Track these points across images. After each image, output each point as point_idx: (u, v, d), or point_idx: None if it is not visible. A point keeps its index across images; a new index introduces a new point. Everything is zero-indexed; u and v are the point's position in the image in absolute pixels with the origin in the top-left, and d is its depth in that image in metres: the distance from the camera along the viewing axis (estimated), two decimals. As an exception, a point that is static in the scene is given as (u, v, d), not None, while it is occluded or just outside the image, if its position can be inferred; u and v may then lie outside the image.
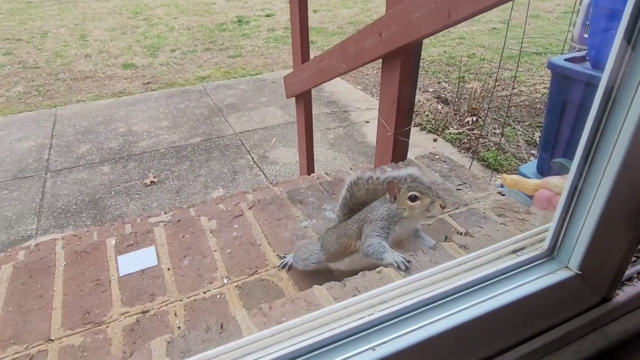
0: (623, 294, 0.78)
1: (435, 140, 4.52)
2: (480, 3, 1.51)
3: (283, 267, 1.43)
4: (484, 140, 4.35)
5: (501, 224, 1.16)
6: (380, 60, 2.12)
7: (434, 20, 1.69)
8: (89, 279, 1.40)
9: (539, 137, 3.88)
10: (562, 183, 0.77)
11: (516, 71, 5.72)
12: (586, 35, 2.56)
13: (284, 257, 1.45)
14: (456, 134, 4.53)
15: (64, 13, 10.75)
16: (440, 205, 1.09)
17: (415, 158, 2.01)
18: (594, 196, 0.65)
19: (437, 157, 1.94)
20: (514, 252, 0.80)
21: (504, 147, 4.17)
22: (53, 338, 1.21)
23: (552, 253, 0.70)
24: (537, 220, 1.19)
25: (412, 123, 5.08)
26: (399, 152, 2.27)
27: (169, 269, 1.44)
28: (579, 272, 0.66)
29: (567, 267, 0.68)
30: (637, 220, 0.67)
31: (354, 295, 0.88)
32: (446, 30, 2.01)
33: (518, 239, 0.83)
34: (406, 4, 1.80)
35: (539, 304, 0.66)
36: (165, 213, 2.38)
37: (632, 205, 0.66)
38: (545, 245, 0.71)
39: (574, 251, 0.67)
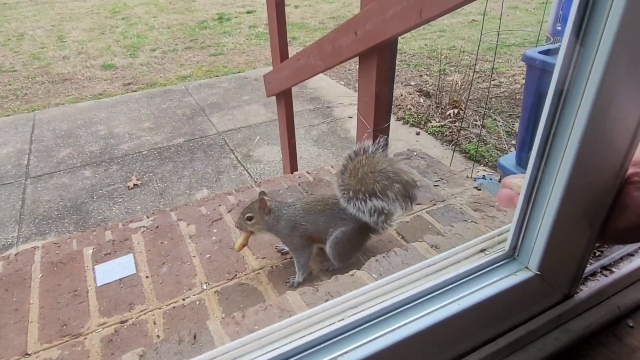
0: (586, 290, 0.80)
1: (417, 133, 4.54)
2: (450, 2, 1.52)
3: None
4: (466, 132, 4.39)
5: (472, 222, 1.18)
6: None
7: (407, 18, 1.69)
8: (65, 290, 1.39)
9: (518, 127, 3.92)
10: (522, 182, 0.78)
11: (494, 63, 5.77)
12: (559, 27, 2.59)
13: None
14: (438, 126, 4.56)
15: (40, 14, 10.53)
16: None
17: (394, 155, 2.02)
18: (549, 196, 0.66)
19: (415, 153, 1.95)
20: (482, 251, 0.82)
21: (484, 138, 4.21)
22: (30, 352, 1.20)
23: (513, 254, 0.72)
24: (507, 217, 1.21)
25: (395, 117, 5.08)
26: (378, 149, 2.28)
27: (147, 277, 1.43)
28: (539, 273, 0.67)
29: (527, 267, 0.69)
30: (594, 218, 0.69)
31: (326, 300, 0.89)
32: (421, 27, 2.02)
33: (485, 238, 0.84)
34: (379, 3, 1.80)
35: (501, 305, 0.67)
36: (148, 217, 2.37)
37: (588, 203, 0.67)
38: (507, 246, 0.72)
39: (533, 251, 0.68)
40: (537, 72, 2.43)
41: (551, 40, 2.88)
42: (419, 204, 1.63)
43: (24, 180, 4.13)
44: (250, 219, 1.38)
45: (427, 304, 0.66)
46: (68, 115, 5.41)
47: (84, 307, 1.33)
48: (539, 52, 2.45)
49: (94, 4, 11.40)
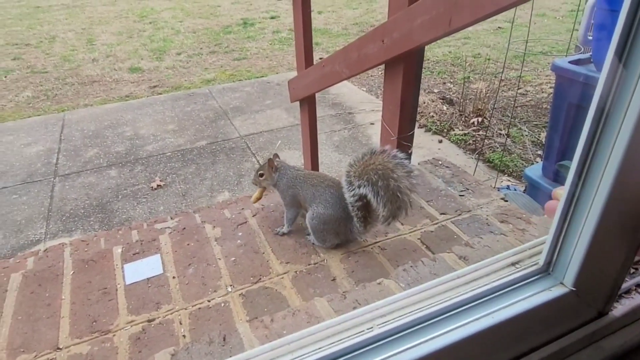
0: (620, 307, 0.78)
1: (440, 141, 4.51)
2: (480, 11, 1.51)
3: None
4: (490, 141, 4.34)
5: (501, 234, 1.17)
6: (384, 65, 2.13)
7: (435, 27, 1.69)
8: (96, 288, 1.43)
9: (545, 137, 3.86)
10: None
11: (521, 71, 5.69)
12: (590, 37, 2.54)
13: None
14: (461, 135, 4.52)
15: (72, 17, 10.85)
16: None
17: (419, 164, 2.02)
18: (587, 212, 0.66)
19: (440, 162, 1.94)
20: (513, 264, 0.81)
21: (509, 148, 4.16)
22: (61, 347, 1.24)
23: (547, 269, 0.71)
24: (537, 231, 1.20)
25: (417, 124, 5.05)
26: (402, 157, 2.28)
27: (174, 277, 1.46)
28: (574, 289, 0.67)
29: (562, 283, 0.68)
30: (633, 234, 0.68)
31: (354, 308, 0.90)
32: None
33: (516, 251, 0.84)
34: (408, 11, 1.80)
35: (534, 320, 0.67)
36: (172, 218, 2.41)
37: (627, 219, 0.66)
38: (541, 260, 0.72)
39: (568, 267, 0.68)
40: (567, 82, 2.39)
41: (581, 50, 2.83)
42: (443, 214, 1.62)
43: (52, 179, 4.25)
44: (261, 175, 1.70)
45: (462, 316, 0.66)
46: (96, 116, 5.55)
47: (113, 304, 1.36)
48: (569, 62, 2.41)
49: (123, 8, 11.69)
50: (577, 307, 0.70)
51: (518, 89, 5.28)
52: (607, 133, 0.61)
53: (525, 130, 4.43)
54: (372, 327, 0.76)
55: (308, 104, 3.09)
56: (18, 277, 1.49)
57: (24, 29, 9.87)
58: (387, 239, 1.55)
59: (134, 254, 1.56)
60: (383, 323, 0.75)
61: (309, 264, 1.49)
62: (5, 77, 7.08)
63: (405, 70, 2.01)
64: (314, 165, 3.30)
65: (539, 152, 4.07)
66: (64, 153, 4.70)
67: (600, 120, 0.61)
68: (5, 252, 3.33)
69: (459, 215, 1.61)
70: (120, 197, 3.92)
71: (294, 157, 4.39)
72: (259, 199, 1.74)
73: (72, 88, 6.58)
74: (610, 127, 0.60)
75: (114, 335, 1.27)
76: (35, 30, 9.75)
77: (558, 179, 2.51)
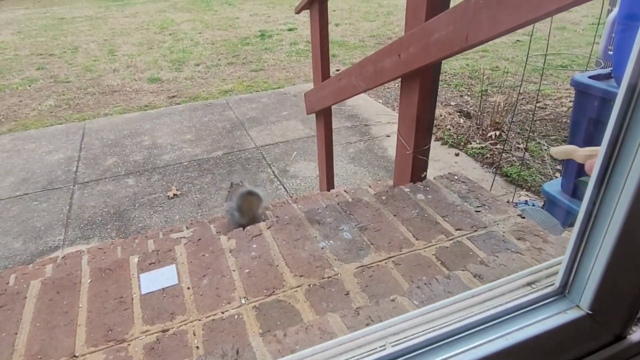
0: (639, 332, 0.76)
1: (457, 154, 4.48)
2: (498, 27, 1.51)
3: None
4: (508, 155, 4.30)
5: (517, 252, 1.15)
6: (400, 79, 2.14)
7: (452, 43, 1.70)
8: (112, 297, 1.45)
9: (564, 152, 3.79)
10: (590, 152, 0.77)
11: (540, 84, 5.63)
12: (611, 52, 2.51)
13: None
14: (479, 148, 4.48)
15: (94, 29, 11.15)
16: None
17: (434, 178, 2.01)
18: (606, 230, 0.64)
19: (456, 177, 1.93)
20: (529, 284, 0.80)
21: (528, 162, 4.11)
22: (77, 354, 1.26)
23: (563, 291, 0.70)
24: (555, 250, 1.18)
25: (434, 137, 5.04)
26: (418, 170, 2.27)
27: (188, 288, 1.48)
28: (590, 312, 0.66)
29: (578, 306, 0.67)
30: (653, 257, 0.67)
31: (367, 325, 0.89)
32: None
33: (532, 271, 0.83)
34: (425, 26, 1.81)
35: (550, 343, 0.66)
36: (187, 228, 2.44)
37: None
38: (557, 282, 0.71)
39: (585, 289, 0.67)
40: (587, 97, 2.36)
41: (602, 65, 2.80)
42: (459, 229, 1.61)
43: (72, 186, 4.34)
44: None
45: (476, 337, 0.66)
46: (115, 125, 5.67)
47: (129, 313, 1.38)
48: (589, 77, 2.38)
49: (144, 20, 11.97)
50: (594, 330, 0.69)
51: (537, 102, 5.23)
52: (626, 149, 0.60)
53: (544, 145, 4.37)
54: (384, 346, 0.76)
55: (324, 116, 3.11)
56: (37, 284, 1.52)
57: (49, 40, 10.18)
58: (402, 253, 1.54)
59: (150, 264, 1.59)
60: (396, 341, 0.75)
61: (322, 278, 1.49)
62: (30, 86, 7.29)
63: (421, 84, 2.02)
64: (329, 177, 3.31)
65: (558, 167, 4.01)
66: (83, 161, 4.80)
67: (619, 136, 0.60)
68: (24, 257, 3.40)
69: (475, 231, 1.59)
70: (137, 205, 3.98)
71: (309, 169, 4.41)
72: None
73: (93, 97, 6.74)
74: (629, 143, 0.59)
75: (128, 344, 1.28)
76: (59, 41, 10.05)
77: (577, 195, 2.47)
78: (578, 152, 0.89)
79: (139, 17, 12.37)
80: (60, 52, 9.20)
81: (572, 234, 0.69)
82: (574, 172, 2.53)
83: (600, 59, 2.76)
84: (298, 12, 3.05)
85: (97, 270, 1.56)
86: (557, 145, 4.46)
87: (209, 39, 9.73)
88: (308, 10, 2.91)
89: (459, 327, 0.70)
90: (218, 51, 8.79)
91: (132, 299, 1.44)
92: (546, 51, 5.42)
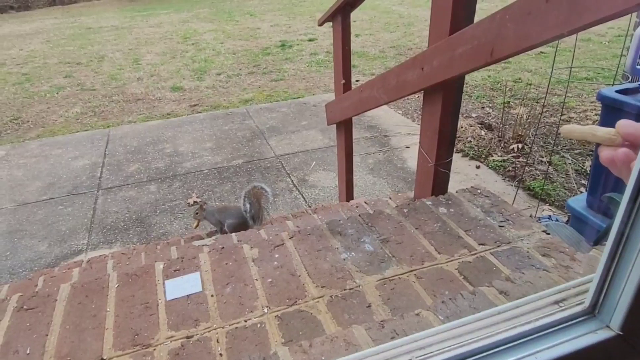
0: (673, 354, 0.75)
1: (478, 167, 4.45)
2: (524, 42, 1.51)
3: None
4: (530, 168, 4.24)
5: (543, 270, 1.14)
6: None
7: (477, 57, 1.70)
8: (138, 302, 1.48)
9: (590, 166, 3.73)
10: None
11: (565, 97, 5.56)
12: (639, 66, 2.48)
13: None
14: (500, 161, 4.44)
15: (120, 38, 11.45)
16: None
17: (456, 192, 2.00)
18: (638, 250, 0.64)
19: (479, 191, 1.92)
20: (557, 302, 0.80)
21: (551, 176, 4.05)
22: (105, 357, 1.29)
23: (593, 310, 0.70)
24: (582, 269, 1.17)
25: (455, 149, 5.02)
26: (439, 183, 2.26)
27: (212, 296, 1.50)
28: (621, 333, 0.65)
29: (608, 326, 0.67)
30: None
31: (392, 338, 0.90)
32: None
33: (561, 289, 0.82)
34: (449, 40, 1.82)
35: (580, 363, 0.65)
36: (208, 236, 2.47)
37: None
38: (587, 301, 0.70)
39: (616, 309, 0.66)
40: (614, 112, 2.33)
41: (629, 79, 2.75)
42: (482, 244, 1.60)
43: (96, 191, 4.44)
44: (197, 213, 2.95)
45: (503, 355, 0.66)
46: (138, 133, 5.80)
47: (154, 319, 1.41)
48: (617, 91, 2.35)
49: (168, 30, 12.24)
50: (624, 352, 0.68)
51: (561, 115, 5.16)
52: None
53: (568, 159, 4.31)
54: (411, 359, 0.76)
55: (345, 128, 3.13)
56: (67, 288, 1.56)
57: (76, 49, 10.49)
58: (424, 267, 1.54)
59: (174, 270, 1.62)
60: (422, 356, 0.75)
61: (344, 289, 1.49)
62: (57, 93, 7.52)
63: (444, 98, 2.02)
64: (349, 188, 3.32)
65: (583, 182, 3.94)
66: (107, 167, 4.91)
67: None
68: (49, 260, 3.49)
69: (499, 246, 1.58)
70: (158, 211, 4.05)
71: (328, 178, 4.42)
72: (197, 226, 3.06)
73: (118, 105, 6.90)
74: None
75: (154, 349, 1.31)
76: (86, 50, 10.35)
77: (604, 212, 2.42)
78: (598, 133, 0.67)
79: (162, 27, 12.67)
80: (87, 60, 9.47)
81: (603, 253, 0.69)
82: (601, 188, 2.49)
83: (628, 72, 2.72)
84: (321, 24, 3.09)
85: (124, 276, 1.60)
86: (583, 160, 4.31)
87: (231, 48, 9.89)
88: (330, 22, 2.95)
89: (486, 344, 0.70)
90: (239, 61, 8.92)
91: (158, 305, 1.47)
92: (571, 63, 5.35)
